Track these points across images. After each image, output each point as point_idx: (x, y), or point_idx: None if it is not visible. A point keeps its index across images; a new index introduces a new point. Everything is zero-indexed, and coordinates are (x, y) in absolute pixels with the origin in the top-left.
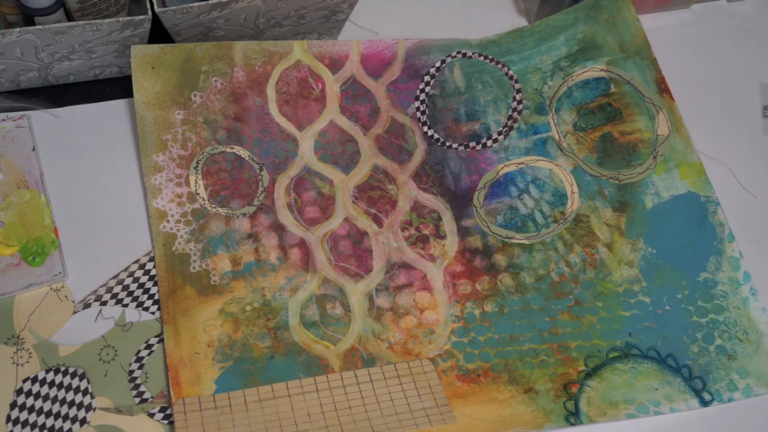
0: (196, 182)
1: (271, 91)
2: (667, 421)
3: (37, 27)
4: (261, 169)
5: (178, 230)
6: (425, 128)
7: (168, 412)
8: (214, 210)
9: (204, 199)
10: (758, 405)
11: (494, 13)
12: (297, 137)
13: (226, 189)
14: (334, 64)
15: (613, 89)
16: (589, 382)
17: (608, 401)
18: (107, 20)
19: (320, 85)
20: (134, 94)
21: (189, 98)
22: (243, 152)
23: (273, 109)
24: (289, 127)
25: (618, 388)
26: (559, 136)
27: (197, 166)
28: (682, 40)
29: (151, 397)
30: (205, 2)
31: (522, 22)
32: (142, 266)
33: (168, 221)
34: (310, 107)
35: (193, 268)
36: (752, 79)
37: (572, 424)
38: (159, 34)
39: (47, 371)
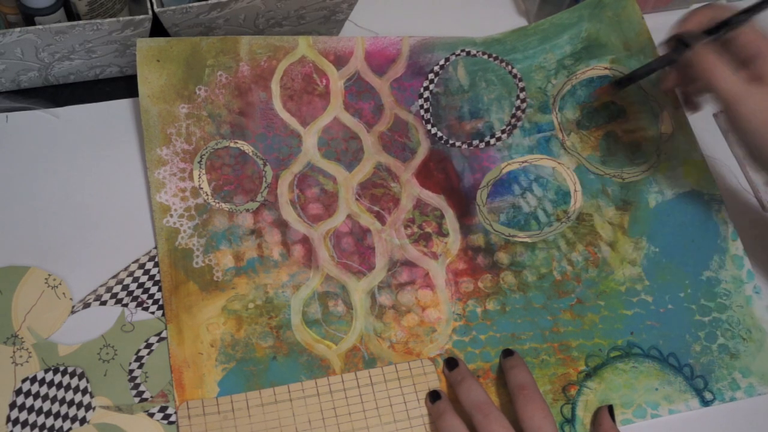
0: (199, 177)
1: (275, 86)
2: (668, 420)
3: (37, 27)
4: (264, 165)
5: (181, 225)
6: (429, 126)
7: (168, 411)
8: (217, 205)
9: (207, 194)
10: (759, 405)
11: (494, 14)
12: (301, 133)
13: (229, 184)
14: (339, 60)
15: None
16: (589, 383)
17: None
18: (108, 20)
19: (324, 81)
20: (139, 87)
21: (194, 92)
22: (247, 147)
23: (277, 105)
24: (293, 122)
25: (617, 389)
26: (563, 135)
27: (201, 161)
28: None
29: (151, 396)
30: (204, 2)
31: (521, 22)
32: (141, 266)
33: (171, 216)
34: (315, 103)
35: (196, 263)
36: None
37: None
38: (159, 34)
39: (46, 371)
